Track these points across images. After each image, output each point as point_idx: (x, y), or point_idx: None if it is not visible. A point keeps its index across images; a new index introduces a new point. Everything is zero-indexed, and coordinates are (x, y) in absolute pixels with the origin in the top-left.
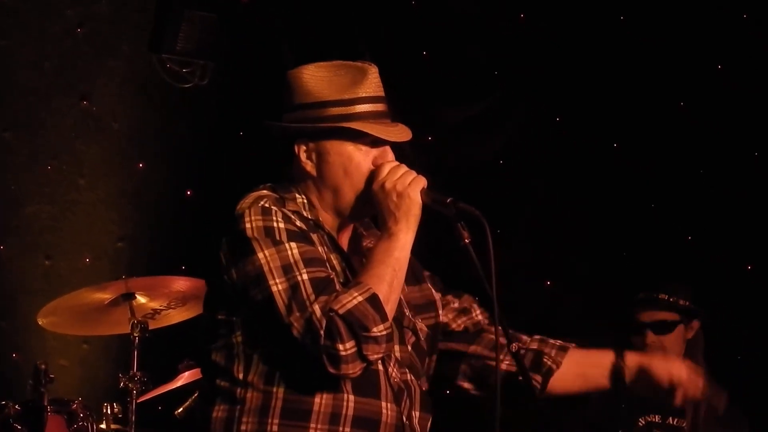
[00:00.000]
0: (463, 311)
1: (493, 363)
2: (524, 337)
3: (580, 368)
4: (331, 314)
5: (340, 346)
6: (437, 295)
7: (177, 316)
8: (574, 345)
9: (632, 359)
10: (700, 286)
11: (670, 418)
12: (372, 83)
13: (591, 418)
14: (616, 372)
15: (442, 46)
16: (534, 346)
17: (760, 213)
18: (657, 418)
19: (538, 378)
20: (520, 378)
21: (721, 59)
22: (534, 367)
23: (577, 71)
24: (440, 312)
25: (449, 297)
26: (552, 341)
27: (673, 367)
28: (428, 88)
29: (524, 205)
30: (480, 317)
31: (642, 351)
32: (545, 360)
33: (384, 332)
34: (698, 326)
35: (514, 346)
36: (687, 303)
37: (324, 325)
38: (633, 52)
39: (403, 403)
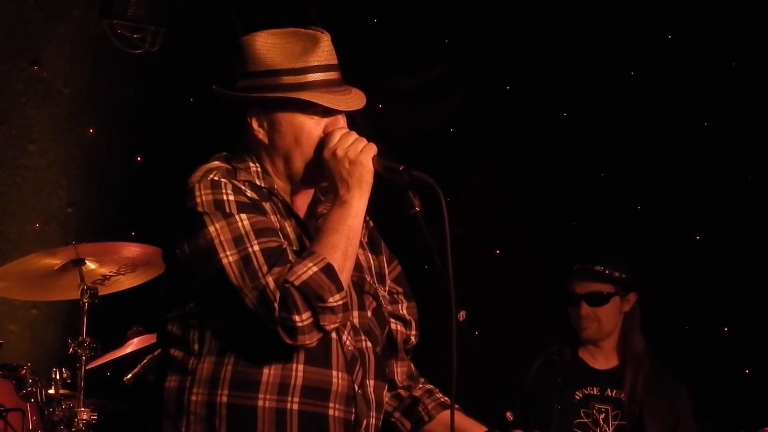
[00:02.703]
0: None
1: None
2: (418, 381)
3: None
4: (286, 285)
5: (296, 318)
6: (388, 273)
7: (126, 282)
8: (457, 407)
9: None
10: (648, 256)
11: (609, 390)
12: (324, 51)
13: (527, 391)
14: None
15: (392, 14)
16: (417, 393)
17: (709, 184)
18: (595, 390)
19: (407, 424)
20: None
21: (671, 29)
22: (407, 412)
23: (527, 40)
24: (386, 288)
25: (400, 291)
26: (438, 395)
27: None
28: (378, 57)
29: (473, 174)
30: (404, 337)
31: (577, 321)
32: (419, 409)
33: (340, 302)
34: (635, 299)
35: (462, 314)
36: (622, 274)
37: (278, 297)
38: (582, 21)
39: (355, 372)
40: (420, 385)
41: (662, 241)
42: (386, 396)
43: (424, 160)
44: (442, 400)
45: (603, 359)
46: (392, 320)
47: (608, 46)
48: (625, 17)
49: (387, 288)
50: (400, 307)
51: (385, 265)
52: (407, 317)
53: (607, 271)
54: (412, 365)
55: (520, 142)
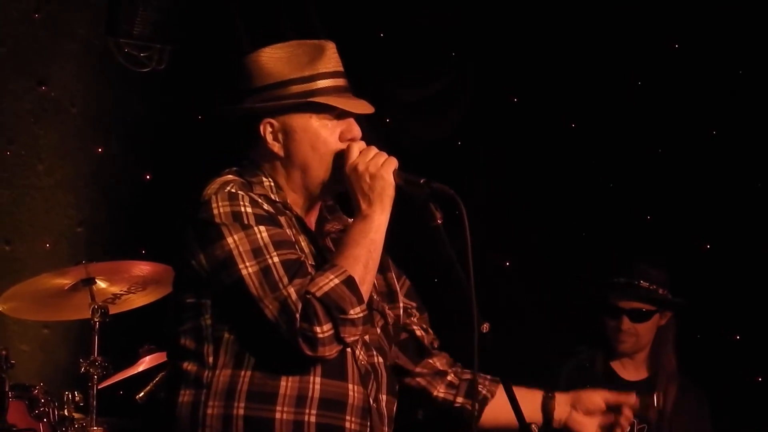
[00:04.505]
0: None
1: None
2: (458, 367)
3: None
4: (307, 297)
5: (318, 329)
6: (400, 288)
7: (137, 300)
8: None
9: (561, 398)
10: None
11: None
12: (331, 59)
13: None
14: (546, 410)
15: (399, 27)
16: (467, 376)
17: (718, 192)
18: None
19: (474, 405)
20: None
21: (677, 38)
22: (469, 394)
23: (535, 51)
24: (400, 304)
25: (413, 305)
26: (483, 375)
27: (596, 398)
28: (385, 70)
29: (482, 185)
30: (429, 340)
31: (615, 334)
32: (480, 389)
33: (361, 314)
34: (671, 315)
35: (486, 326)
36: (666, 293)
37: (300, 308)
38: (590, 31)
39: (370, 386)
40: (464, 370)
41: (672, 249)
42: (439, 386)
43: (430, 170)
44: (489, 377)
45: (634, 370)
46: (415, 328)
47: (615, 56)
48: (631, 27)
49: (401, 304)
50: (415, 320)
51: (395, 281)
52: (425, 326)
53: (652, 287)
54: (448, 355)
55: (527, 152)
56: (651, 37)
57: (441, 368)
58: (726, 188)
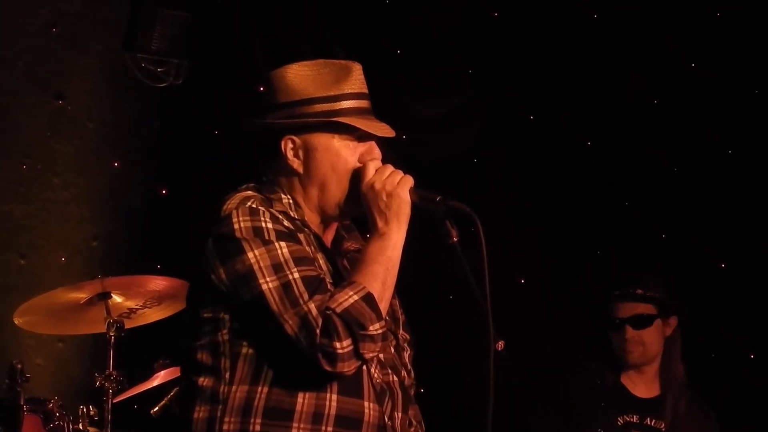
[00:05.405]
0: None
1: None
2: (422, 428)
3: None
4: (327, 312)
5: (337, 344)
6: (402, 317)
7: (153, 315)
8: None
9: None
10: (674, 284)
11: (648, 419)
12: (356, 80)
13: (570, 411)
14: None
15: (416, 44)
16: None
17: (733, 210)
18: (635, 418)
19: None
20: None
21: (694, 57)
22: None
23: (551, 69)
24: (401, 331)
25: (407, 338)
26: None
27: None
28: (402, 87)
29: (497, 203)
30: (410, 384)
31: (622, 345)
32: None
33: (380, 330)
34: (676, 323)
35: (501, 344)
36: (663, 296)
37: (320, 324)
38: (606, 50)
39: (385, 404)
40: None
41: (687, 267)
42: None
43: (446, 187)
44: None
45: (644, 387)
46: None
47: (631, 75)
48: (647, 46)
49: (400, 332)
50: (406, 354)
51: (399, 309)
52: (409, 366)
53: (648, 294)
54: (418, 409)
55: (543, 170)
56: (667, 57)
57: (410, 419)
58: (741, 207)
